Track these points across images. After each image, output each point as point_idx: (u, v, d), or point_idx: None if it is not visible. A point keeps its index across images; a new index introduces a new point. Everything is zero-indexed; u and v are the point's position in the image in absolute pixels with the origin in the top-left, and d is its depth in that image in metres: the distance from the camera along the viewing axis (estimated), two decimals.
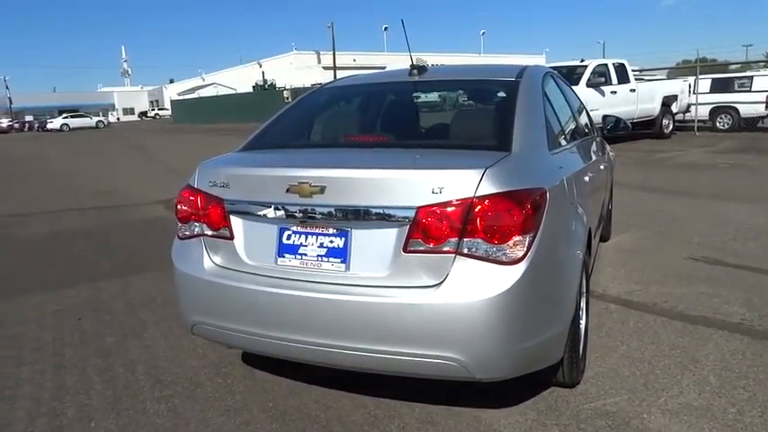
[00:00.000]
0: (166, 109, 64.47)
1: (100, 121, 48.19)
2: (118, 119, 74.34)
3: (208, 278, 2.27)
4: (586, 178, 2.94)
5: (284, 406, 2.55)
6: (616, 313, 3.43)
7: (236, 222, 2.26)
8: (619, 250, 4.80)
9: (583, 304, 2.68)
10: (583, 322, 2.69)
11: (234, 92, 50.92)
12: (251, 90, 48.05)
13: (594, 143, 3.87)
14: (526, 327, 2.02)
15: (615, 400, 2.47)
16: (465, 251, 1.94)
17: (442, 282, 1.95)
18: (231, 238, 2.26)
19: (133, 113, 78.22)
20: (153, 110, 73.27)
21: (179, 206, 2.43)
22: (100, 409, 2.63)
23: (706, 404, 2.43)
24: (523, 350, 2.03)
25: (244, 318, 2.20)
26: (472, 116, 3.06)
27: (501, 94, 2.78)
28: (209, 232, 2.32)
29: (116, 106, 79.30)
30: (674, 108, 14.72)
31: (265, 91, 44.30)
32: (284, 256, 2.16)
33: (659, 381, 2.62)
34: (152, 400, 2.67)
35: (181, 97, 59.63)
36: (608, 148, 4.71)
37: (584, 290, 2.73)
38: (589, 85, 12.27)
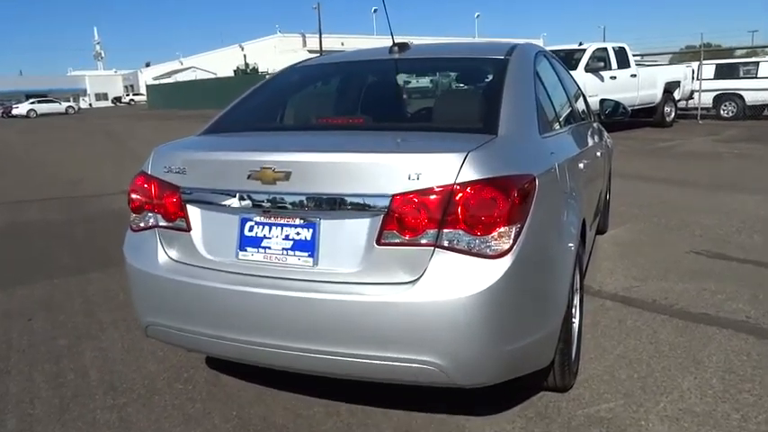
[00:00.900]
0: (142, 94, 64.05)
1: (70, 106, 47.67)
2: (90, 104, 73.77)
3: (162, 274, 2.21)
4: (581, 165, 2.91)
5: (249, 414, 2.49)
6: (613, 311, 3.41)
7: (194, 212, 2.20)
8: (616, 243, 4.80)
9: (576, 301, 2.65)
10: (576, 321, 2.65)
11: (214, 76, 50.65)
12: (232, 74, 47.80)
13: (591, 129, 3.83)
14: (512, 327, 1.97)
15: (610, 406, 2.45)
16: (445, 244, 1.89)
17: (420, 278, 1.89)
18: (188, 229, 2.20)
19: (106, 99, 77.64)
20: (127, 95, 72.79)
21: (131, 195, 2.36)
22: (44, 419, 2.54)
23: (708, 410, 2.40)
24: (509, 353, 1.98)
25: (202, 318, 2.14)
26: (457, 96, 3.02)
27: (488, 72, 2.73)
28: (164, 223, 2.27)
29: (88, 91, 78.66)
30: (677, 95, 14.79)
31: (247, 75, 44.09)
32: (246, 250, 2.10)
33: (658, 384, 2.60)
34: (103, 410, 2.59)
35: (157, 82, 59.18)
36: (606, 134, 4.68)
37: (578, 286, 2.69)
38: (588, 69, 12.27)
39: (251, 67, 48.05)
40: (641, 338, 3.04)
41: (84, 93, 78.15)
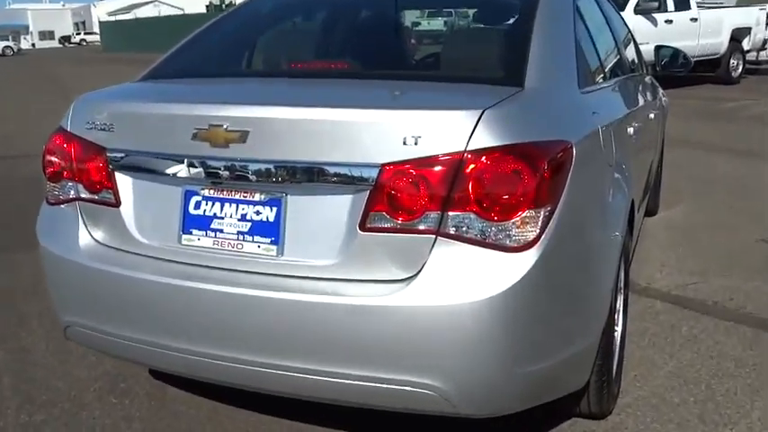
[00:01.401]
0: (95, 33, 64.15)
1: (8, 46, 47.73)
2: (33, 45, 73.74)
3: (84, 262, 2.15)
4: (631, 130, 2.85)
5: None
6: (664, 315, 3.37)
7: (124, 182, 2.13)
8: (670, 228, 4.78)
9: (619, 304, 2.59)
10: (618, 329, 2.59)
11: (181, 12, 50.47)
12: (203, 10, 47.61)
13: (643, 84, 3.81)
14: (538, 342, 1.90)
15: None
16: (450, 231, 1.79)
17: (416, 275, 1.80)
18: (117, 204, 2.14)
19: (52, 38, 77.76)
20: (78, 34, 72.86)
21: (47, 157, 2.27)
22: None
23: None
24: (533, 375, 1.91)
25: (134, 320, 2.08)
26: (471, 36, 2.93)
27: (514, 6, 2.68)
28: (87, 195, 2.19)
29: (30, 29, 78.59)
30: (746, 45, 14.61)
31: (222, 12, 43.76)
32: (191, 233, 2.03)
33: (720, 411, 2.53)
34: (15, 428, 2.49)
35: (113, 18, 59.04)
36: (661, 91, 4.64)
37: (622, 284, 2.62)
38: (638, 11, 12.13)
39: (227, 3, 47.68)
40: (699, 351, 2.99)
41: (26, 30, 77.98)
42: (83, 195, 2.20)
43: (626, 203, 2.42)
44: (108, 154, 2.11)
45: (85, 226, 2.21)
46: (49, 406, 2.62)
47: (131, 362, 2.46)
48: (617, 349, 2.55)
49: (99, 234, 2.19)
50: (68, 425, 2.51)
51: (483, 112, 1.79)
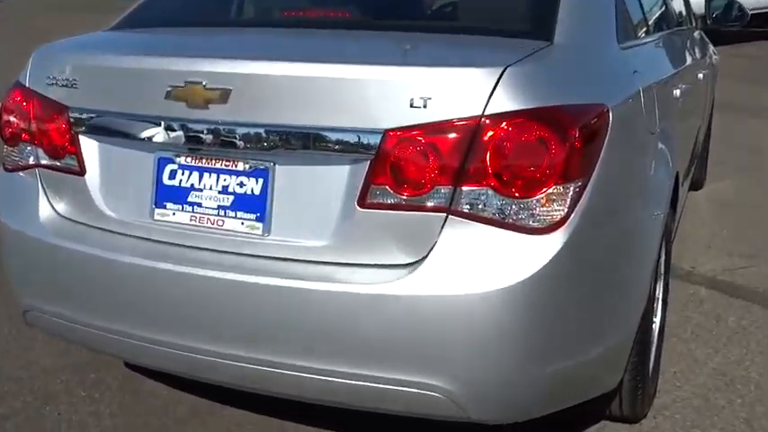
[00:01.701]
0: None
1: None
2: None
3: (44, 238, 2.13)
4: (676, 92, 2.82)
5: None
6: (709, 303, 3.36)
7: (89, 147, 2.10)
8: (716, 203, 4.81)
9: (659, 292, 2.58)
10: (657, 321, 2.58)
11: None
12: None
13: (691, 39, 3.79)
14: (563, 337, 1.87)
15: None
16: (463, 208, 1.76)
17: (423, 259, 1.77)
18: (81, 172, 2.12)
19: None
20: None
21: (4, 117, 2.26)
22: None
23: None
24: (556, 375, 1.88)
25: (100, 305, 2.08)
26: None
27: None
28: (48, 161, 2.18)
29: None
30: None
31: None
32: (165, 207, 2.02)
33: None
34: None
35: None
36: (711, 48, 4.62)
37: (663, 269, 2.61)
38: None
39: None
40: (749, 345, 2.97)
41: None
42: (43, 161, 2.18)
43: (669, 177, 2.39)
44: (71, 114, 2.09)
45: (46, 196, 2.19)
46: (9, 398, 2.61)
47: (98, 352, 2.44)
48: (654, 344, 2.53)
49: (61, 206, 2.17)
50: (30, 420, 2.50)
51: (504, 70, 1.74)
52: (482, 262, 1.76)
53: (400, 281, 1.77)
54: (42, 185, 2.19)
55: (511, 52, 1.84)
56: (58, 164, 2.14)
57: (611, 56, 2.20)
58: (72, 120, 2.08)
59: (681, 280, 3.53)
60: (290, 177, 1.90)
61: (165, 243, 2.00)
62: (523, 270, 1.74)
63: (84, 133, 2.09)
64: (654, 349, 2.51)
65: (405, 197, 1.78)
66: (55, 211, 2.17)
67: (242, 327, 1.90)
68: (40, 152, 2.17)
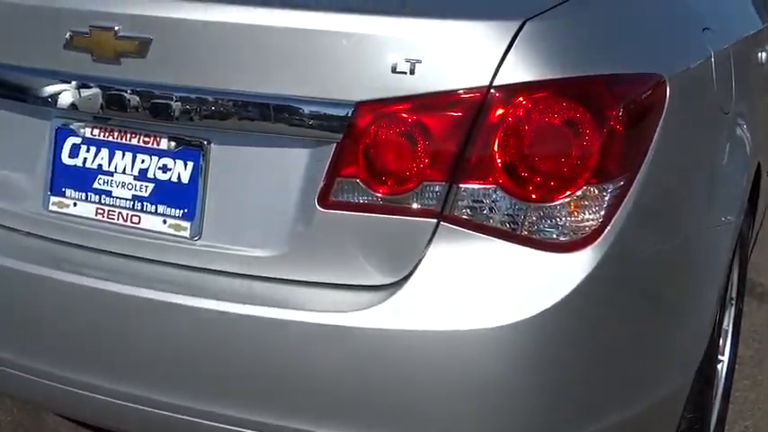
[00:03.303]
0: None
1: None
2: None
3: None
4: (762, 56, 2.81)
5: None
6: None
7: None
8: None
9: (728, 323, 2.62)
10: (725, 360, 2.62)
11: None
12: None
13: None
14: (594, 391, 1.83)
15: None
16: (461, 213, 1.69)
17: (406, 279, 1.71)
18: None
19: None
20: None
21: None
22: None
23: None
24: None
25: None
26: None
27: None
28: None
29: None
30: None
31: None
32: (63, 194, 1.97)
33: None
34: None
35: None
36: None
37: (734, 293, 2.63)
38: None
39: None
40: None
41: None
42: None
43: (746, 171, 2.36)
44: None
45: None
46: None
47: None
48: (720, 392, 2.51)
49: None
50: None
51: (521, 26, 1.66)
52: (485, 287, 1.70)
53: (374, 309, 1.70)
54: None
55: (530, 1, 1.77)
56: None
57: (673, 5, 2.14)
58: None
59: (759, 301, 3.58)
60: (228, 161, 1.85)
61: (61, 243, 1.97)
62: (542, 299, 1.67)
63: None
64: (719, 399, 2.47)
65: (382, 195, 1.72)
66: None
67: (156, 360, 1.86)
68: None
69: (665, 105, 1.82)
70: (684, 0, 2.23)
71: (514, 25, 1.67)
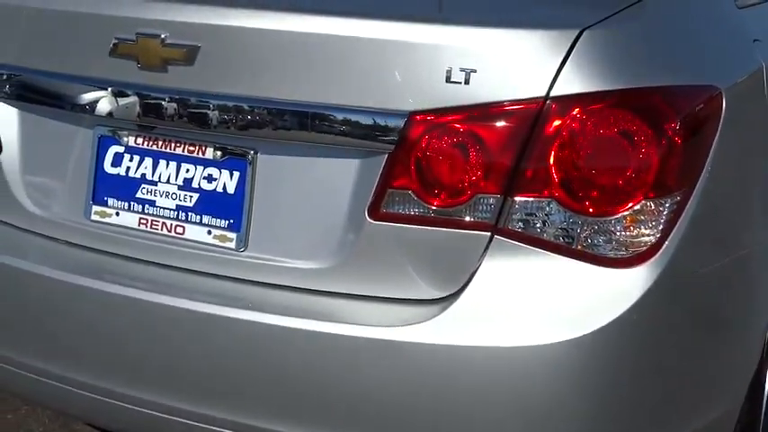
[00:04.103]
0: None
1: None
2: None
3: None
4: None
5: None
6: None
7: (6, 117, 2.13)
8: None
9: None
10: None
11: None
12: None
13: None
14: (648, 410, 1.81)
15: None
16: (515, 227, 1.69)
17: (459, 293, 1.72)
18: None
19: None
20: None
21: None
22: None
23: None
24: None
25: (18, 334, 2.08)
26: None
27: None
28: None
29: None
30: None
31: None
32: (105, 203, 1.99)
33: None
34: None
35: None
36: None
37: None
38: None
39: None
40: None
41: None
42: None
43: None
44: None
45: None
46: None
47: (13, 395, 2.46)
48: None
49: None
50: None
51: (580, 35, 1.65)
52: (540, 302, 1.70)
53: (426, 323, 1.70)
54: None
55: (589, 9, 1.74)
56: None
57: (724, 17, 2.13)
58: None
59: None
60: (276, 172, 1.85)
61: (102, 253, 1.98)
62: (599, 316, 1.66)
63: None
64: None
65: (434, 207, 1.71)
66: None
67: (200, 374, 1.86)
68: None
69: (722, 117, 1.82)
70: (734, 12, 2.20)
71: (572, 34, 1.67)
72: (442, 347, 1.70)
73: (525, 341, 1.68)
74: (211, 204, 1.90)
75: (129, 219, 1.96)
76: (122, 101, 1.93)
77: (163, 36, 1.82)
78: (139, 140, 1.96)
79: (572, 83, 1.66)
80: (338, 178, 1.80)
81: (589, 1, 1.88)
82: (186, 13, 1.85)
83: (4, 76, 2.07)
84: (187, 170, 1.93)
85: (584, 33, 1.66)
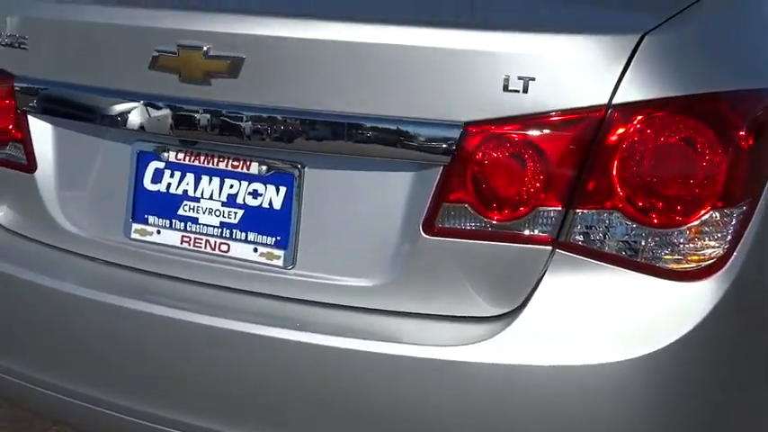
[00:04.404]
0: None
1: None
2: None
3: None
4: None
5: None
6: None
7: (42, 133, 2.11)
8: None
9: None
10: None
11: None
12: None
13: None
14: (711, 425, 1.77)
15: None
16: (577, 240, 1.67)
17: (519, 310, 1.69)
18: (30, 167, 2.12)
19: None
20: None
21: None
22: None
23: None
24: None
25: (51, 357, 2.07)
26: None
27: None
28: None
29: None
30: None
31: None
32: (146, 221, 1.98)
33: None
34: None
35: None
36: None
37: None
38: None
39: None
40: None
41: None
42: None
43: None
44: (17, 85, 2.08)
45: None
46: None
47: (44, 414, 2.46)
48: None
49: (2, 214, 2.20)
50: None
51: (641, 39, 1.62)
52: (606, 318, 1.67)
53: (486, 342, 1.67)
54: None
55: (646, 12, 1.72)
56: None
57: None
58: (18, 94, 2.08)
59: None
60: (324, 186, 1.83)
61: (143, 272, 1.96)
62: (668, 331, 1.63)
63: (34, 113, 2.07)
64: None
65: (492, 221, 1.68)
66: None
67: (248, 396, 1.84)
68: None
69: None
70: None
71: (633, 39, 1.64)
72: (505, 367, 1.67)
73: (592, 359, 1.64)
74: (257, 221, 1.88)
75: (171, 237, 1.95)
76: (163, 115, 1.91)
77: (205, 48, 1.80)
78: (181, 156, 1.95)
79: (634, 90, 1.63)
80: (390, 192, 1.78)
81: (645, 3, 1.87)
82: (230, 24, 1.83)
83: (39, 91, 2.06)
84: (231, 186, 1.91)
85: (646, 38, 1.64)
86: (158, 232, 1.96)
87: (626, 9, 1.85)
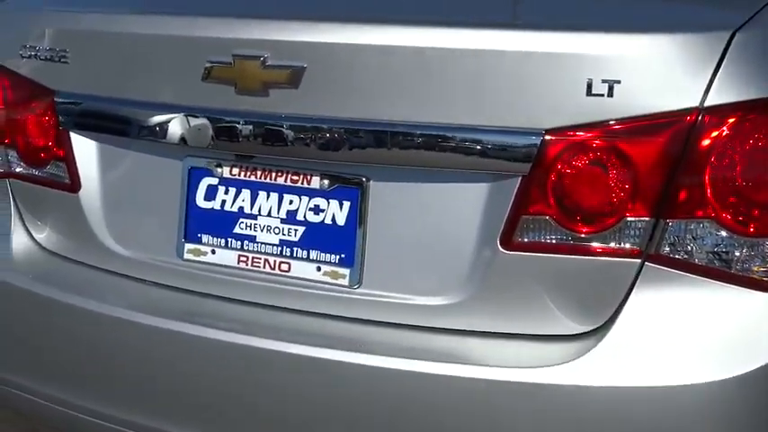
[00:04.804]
0: None
1: None
2: None
3: (17, 282, 2.13)
4: None
5: None
6: None
7: (86, 150, 2.08)
8: None
9: None
10: None
11: None
12: None
13: None
14: None
15: None
16: (669, 251, 1.62)
17: (606, 327, 1.65)
18: (74, 187, 2.08)
19: None
20: None
21: None
22: None
23: None
24: None
25: (101, 384, 2.04)
26: None
27: None
28: (25, 170, 2.18)
29: None
30: None
31: None
32: (199, 241, 1.95)
33: None
34: None
35: None
36: None
37: None
38: None
39: None
40: None
41: None
42: (17, 170, 2.17)
43: None
44: (58, 101, 2.04)
45: (21, 221, 2.20)
46: None
47: None
48: None
49: (44, 236, 2.17)
50: None
51: (732, 37, 1.56)
52: (701, 334, 1.61)
53: (572, 363, 1.61)
54: (16, 204, 2.20)
55: (732, 8, 1.67)
56: (40, 174, 2.13)
57: None
58: (59, 110, 2.04)
59: None
60: (391, 200, 1.79)
61: (198, 294, 1.94)
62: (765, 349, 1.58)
63: (77, 130, 2.04)
64: None
65: (577, 233, 1.64)
66: (35, 241, 2.18)
67: (317, 424, 1.80)
68: (12, 156, 2.16)
69: None
70: None
71: (724, 37, 1.58)
72: (593, 390, 1.62)
73: (690, 380, 1.59)
74: (320, 238, 1.84)
75: (227, 256, 1.91)
76: (217, 129, 1.87)
77: (263, 57, 1.75)
78: (235, 171, 1.91)
79: (727, 91, 1.57)
80: (462, 205, 1.73)
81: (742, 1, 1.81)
82: (289, 32, 1.79)
83: (82, 107, 2.03)
84: (290, 201, 1.86)
85: (737, 35, 1.57)
86: (213, 252, 1.93)
87: (710, 5, 1.81)
